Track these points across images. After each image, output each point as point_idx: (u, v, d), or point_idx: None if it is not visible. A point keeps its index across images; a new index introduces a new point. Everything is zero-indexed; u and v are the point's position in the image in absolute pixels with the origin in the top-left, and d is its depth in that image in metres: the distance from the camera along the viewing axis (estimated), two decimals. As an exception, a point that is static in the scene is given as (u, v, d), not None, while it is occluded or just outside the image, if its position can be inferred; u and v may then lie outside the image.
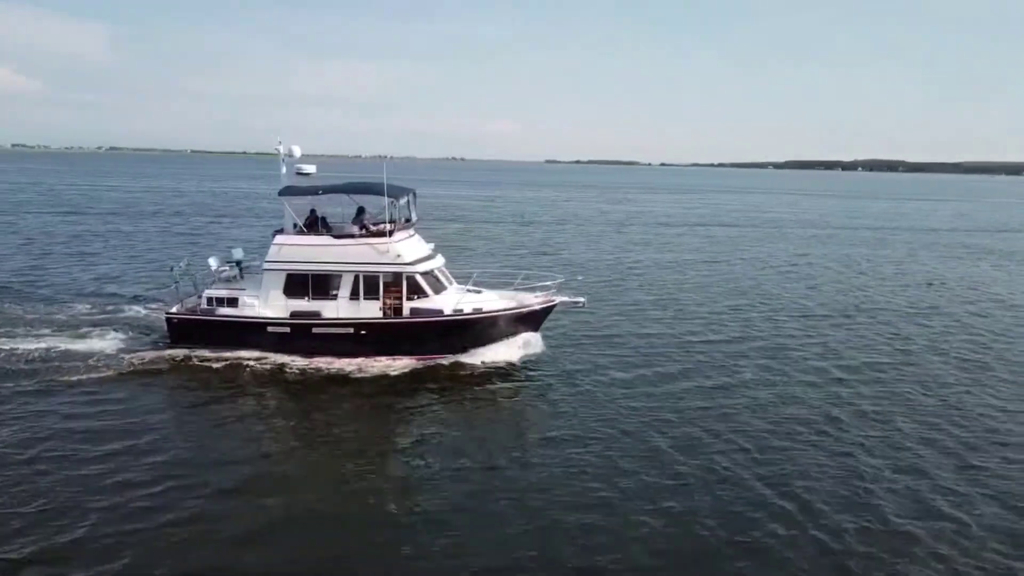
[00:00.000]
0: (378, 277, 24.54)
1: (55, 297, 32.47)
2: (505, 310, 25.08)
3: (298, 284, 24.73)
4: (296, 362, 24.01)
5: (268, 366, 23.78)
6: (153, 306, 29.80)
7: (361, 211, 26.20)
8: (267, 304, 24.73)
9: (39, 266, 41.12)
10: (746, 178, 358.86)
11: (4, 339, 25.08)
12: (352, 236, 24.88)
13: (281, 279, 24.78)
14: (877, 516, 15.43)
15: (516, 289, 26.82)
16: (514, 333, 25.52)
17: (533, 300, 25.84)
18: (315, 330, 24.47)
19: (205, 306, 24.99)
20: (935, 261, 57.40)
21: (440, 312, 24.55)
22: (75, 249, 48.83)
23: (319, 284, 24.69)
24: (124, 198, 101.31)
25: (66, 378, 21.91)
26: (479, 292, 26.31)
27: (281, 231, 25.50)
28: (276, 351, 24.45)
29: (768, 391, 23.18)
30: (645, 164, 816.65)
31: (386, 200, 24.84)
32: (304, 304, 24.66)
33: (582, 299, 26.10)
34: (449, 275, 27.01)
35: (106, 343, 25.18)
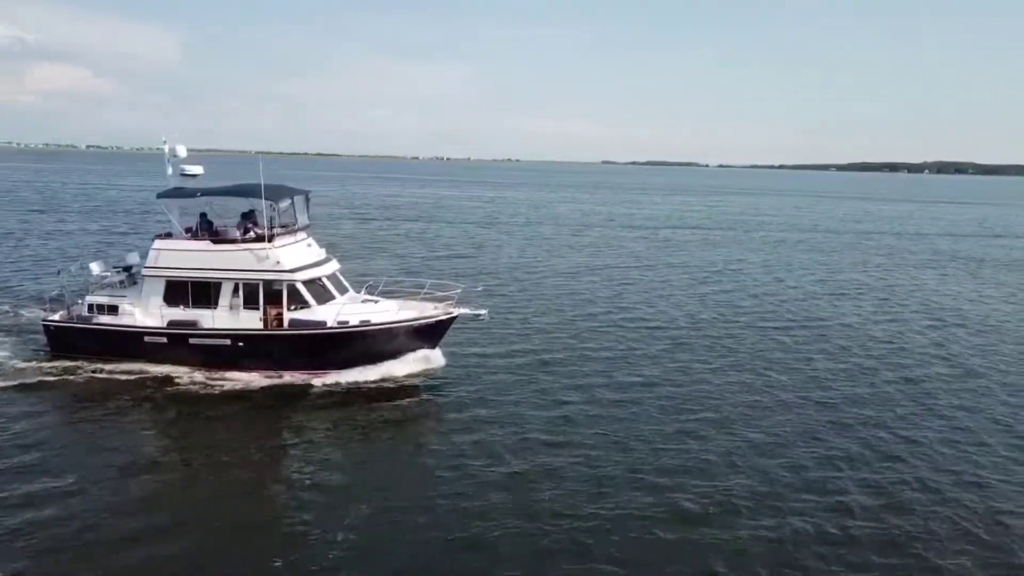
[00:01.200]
0: (258, 285, 23.10)
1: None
2: (393, 323, 23.32)
3: (178, 291, 23.47)
4: (176, 374, 22.77)
5: (146, 378, 22.59)
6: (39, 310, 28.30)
7: (246, 215, 24.78)
8: (146, 312, 23.54)
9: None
10: (809, 181, 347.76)
11: None
12: (232, 241, 23.48)
13: (160, 286, 23.56)
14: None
15: (424, 299, 25.01)
16: (410, 348, 23.74)
17: (433, 311, 24.02)
18: (192, 340, 23.15)
19: (85, 313, 23.94)
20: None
21: (322, 324, 22.95)
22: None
23: (198, 292, 23.38)
24: (124, 196, 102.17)
25: None
26: (375, 301, 24.62)
27: (168, 235, 24.28)
28: (155, 362, 23.25)
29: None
30: (703, 165, 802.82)
31: (264, 203, 23.36)
32: (182, 313, 23.37)
33: (483, 311, 24.14)
34: (344, 283, 25.39)
35: None
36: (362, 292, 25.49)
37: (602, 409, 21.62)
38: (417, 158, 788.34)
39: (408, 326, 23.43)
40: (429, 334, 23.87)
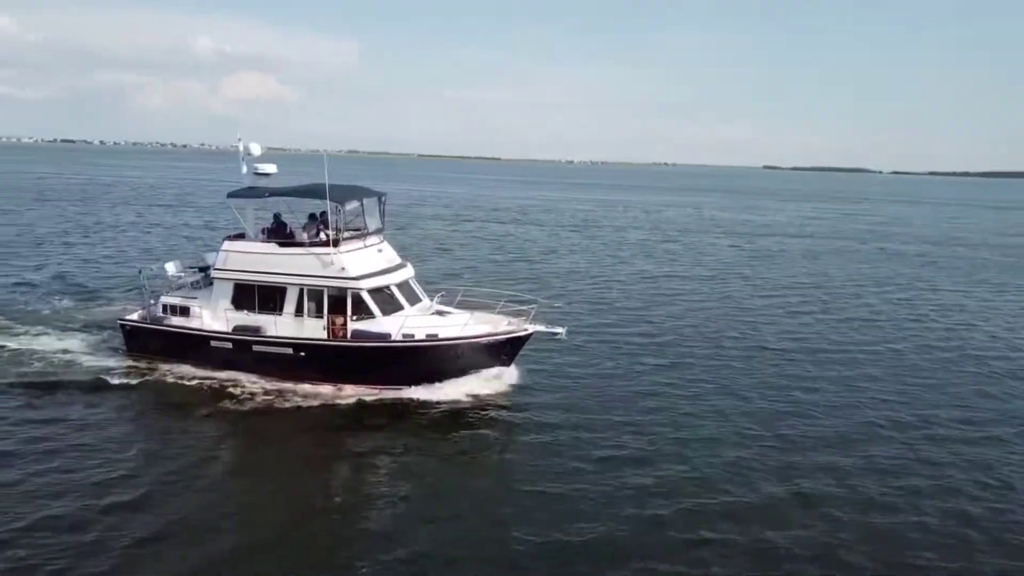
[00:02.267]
0: (322, 292, 21.68)
1: (65, 290, 33.47)
2: (461, 339, 21.16)
3: (245, 295, 22.48)
4: (240, 382, 21.80)
5: (211, 384, 21.77)
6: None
7: (314, 217, 23.42)
8: (214, 316, 22.71)
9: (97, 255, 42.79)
10: (999, 190, 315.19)
11: None
12: (298, 244, 22.17)
13: (228, 289, 22.66)
14: None
15: (500, 312, 22.73)
16: (481, 365, 21.55)
17: (506, 327, 21.69)
18: (256, 348, 22.04)
19: (159, 314, 23.48)
20: None
21: (386, 336, 21.16)
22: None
23: (265, 296, 22.27)
24: None
25: (11, 380, 21.37)
26: (447, 313, 22.58)
27: (241, 236, 23.38)
28: (221, 368, 22.39)
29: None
30: (874, 171, 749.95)
31: (329, 205, 21.85)
32: (247, 318, 22.34)
33: (561, 330, 21.48)
34: (417, 292, 23.51)
35: (65, 345, 24.48)
36: (434, 302, 23.52)
37: (686, 435, 19.49)
38: (571, 161, 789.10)
39: (478, 342, 21.21)
40: (501, 351, 21.57)
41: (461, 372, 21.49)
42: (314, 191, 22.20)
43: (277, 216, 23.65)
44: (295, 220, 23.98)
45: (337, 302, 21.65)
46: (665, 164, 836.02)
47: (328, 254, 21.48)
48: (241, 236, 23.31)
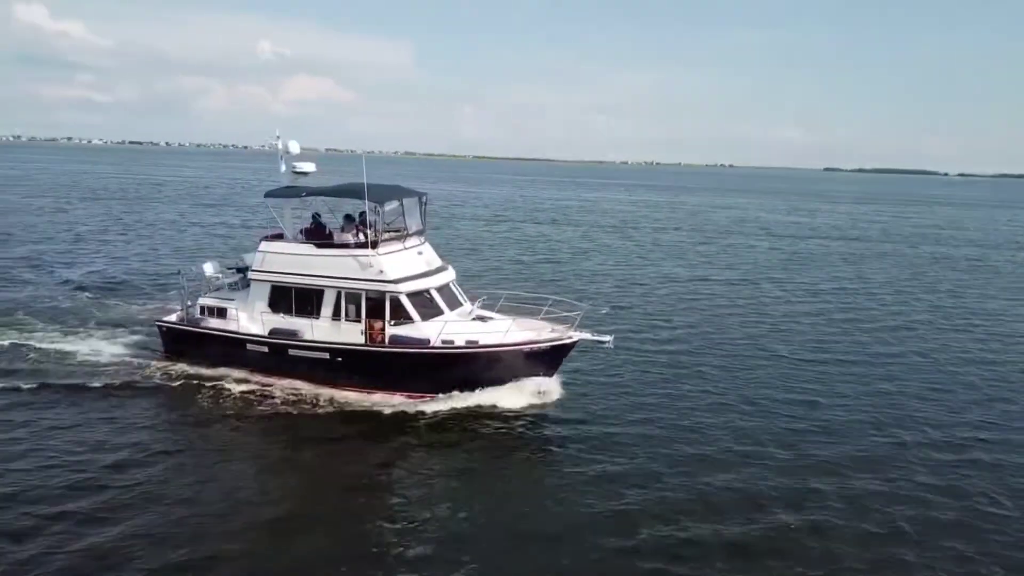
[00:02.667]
0: (360, 295, 20.89)
1: (117, 288, 33.25)
2: (503, 346, 20.11)
3: (282, 298, 21.84)
4: (276, 387, 21.19)
5: (247, 389, 21.19)
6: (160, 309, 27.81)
7: (350, 218, 22.63)
8: (251, 318, 22.13)
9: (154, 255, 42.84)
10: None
11: (9, 330, 25.45)
12: (335, 245, 21.41)
13: (265, 291, 22.05)
14: None
15: (544, 318, 21.65)
16: (522, 374, 20.49)
17: (549, 335, 20.58)
18: (292, 352, 21.36)
19: (197, 315, 23.00)
20: None
21: (425, 342, 20.24)
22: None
23: (302, 299, 21.59)
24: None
25: (52, 381, 21.18)
26: (489, 318, 21.56)
27: (278, 236, 22.76)
28: (257, 371, 21.82)
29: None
30: (940, 174, 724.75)
31: (367, 205, 21.04)
32: (284, 321, 21.69)
33: (608, 338, 20.24)
34: (459, 296, 22.56)
35: (104, 346, 24.21)
36: (475, 306, 22.53)
37: (734, 455, 18.19)
38: (626, 163, 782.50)
39: (520, 350, 20.14)
40: (545, 360, 20.45)
41: (501, 381, 20.46)
42: (352, 191, 21.42)
43: (316, 216, 22.96)
44: (335, 221, 23.27)
45: (375, 306, 20.84)
46: (722, 166, 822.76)
47: (366, 256, 20.68)
48: (279, 236, 22.70)
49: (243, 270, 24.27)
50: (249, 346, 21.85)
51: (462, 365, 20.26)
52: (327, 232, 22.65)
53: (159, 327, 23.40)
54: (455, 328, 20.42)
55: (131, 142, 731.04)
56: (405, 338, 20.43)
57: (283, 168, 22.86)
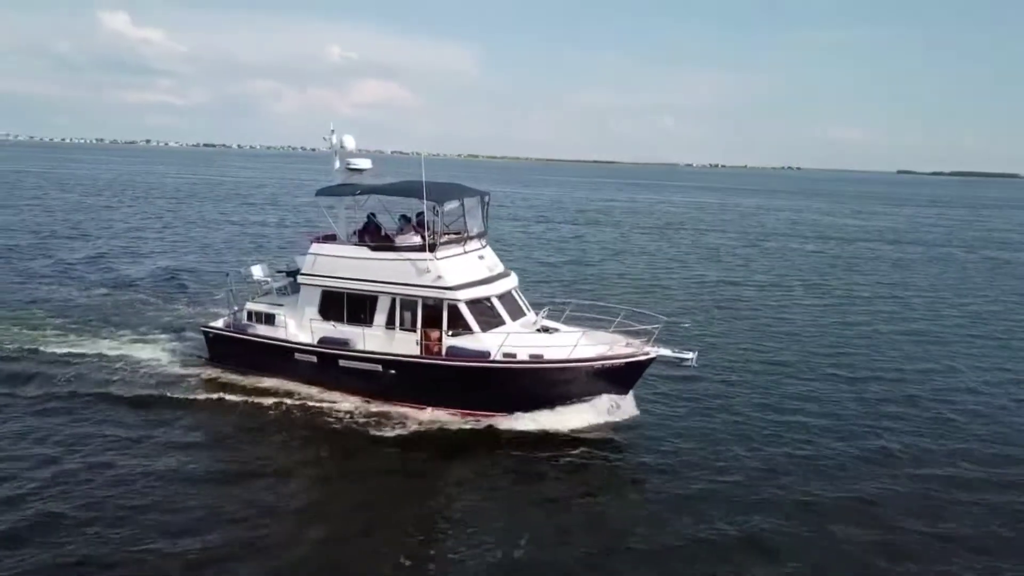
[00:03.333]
0: (415, 302, 19.17)
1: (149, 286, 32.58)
2: (571, 361, 18.10)
3: (333, 304, 20.30)
4: (324, 400, 19.64)
5: (293, 401, 19.67)
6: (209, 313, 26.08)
7: (406, 218, 20.93)
8: (300, 325, 20.66)
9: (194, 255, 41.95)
10: None
11: (55, 333, 24.54)
12: (390, 248, 19.74)
13: (316, 296, 20.53)
14: None
15: (616, 331, 19.59)
16: (592, 392, 18.49)
17: (623, 350, 18.50)
18: (343, 363, 19.77)
19: (244, 321, 21.64)
20: None
21: (485, 355, 18.39)
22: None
23: (354, 306, 20.01)
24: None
25: (90, 388, 20.09)
26: (555, 330, 19.58)
27: (329, 238, 21.24)
28: (306, 383, 20.32)
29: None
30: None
31: (425, 204, 19.27)
32: (334, 330, 20.13)
33: (690, 355, 18.02)
34: (523, 304, 20.64)
35: (146, 350, 23.17)
36: (540, 316, 20.59)
37: (836, 487, 16.08)
38: (691, 165, 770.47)
39: (591, 366, 18.11)
40: (618, 377, 18.38)
41: (569, 399, 18.50)
42: (410, 189, 19.74)
43: (371, 216, 21.36)
44: (392, 222, 21.66)
45: (432, 314, 19.11)
46: (790, 168, 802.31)
47: (423, 260, 18.95)
48: (331, 238, 21.20)
49: (293, 274, 22.87)
50: (297, 355, 20.36)
51: (526, 381, 18.34)
52: (383, 234, 21.06)
53: (204, 332, 22.14)
54: (518, 340, 18.50)
55: (205, 144, 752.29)
56: (463, 350, 18.61)
57: (337, 165, 21.35)
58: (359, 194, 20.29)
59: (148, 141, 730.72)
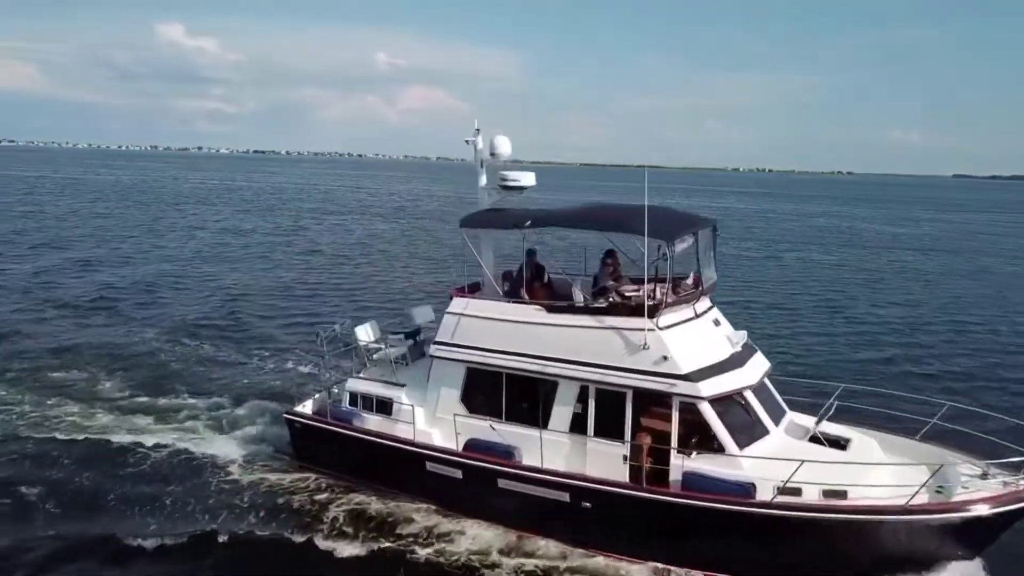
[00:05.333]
0: (623, 396, 12.16)
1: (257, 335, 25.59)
2: (913, 511, 10.88)
3: (484, 389, 13.45)
4: (476, 537, 12.87)
5: (421, 535, 13.02)
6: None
7: (605, 261, 13.92)
8: (432, 419, 13.88)
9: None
10: None
11: (88, 405, 18.54)
12: (582, 310, 12.76)
13: (457, 376, 13.69)
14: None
15: (924, 439, 12.47)
16: (922, 555, 11.29)
17: (982, 492, 11.26)
18: (503, 483, 12.86)
19: (346, 406, 14.90)
20: None
21: (745, 489, 11.31)
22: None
23: (520, 394, 13.17)
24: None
25: (127, 488, 14.43)
26: (842, 439, 12.39)
27: (475, 288, 14.45)
28: (443, 506, 13.50)
29: None
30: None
31: (646, 243, 12.09)
32: (490, 430, 13.25)
33: None
34: (776, 397, 13.44)
35: (204, 438, 16.82)
36: (799, 414, 13.41)
37: None
38: (738, 169, 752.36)
39: (934, 519, 10.92)
40: (975, 534, 11.14)
41: (878, 566, 11.31)
42: (616, 219, 12.91)
43: (531, 255, 14.52)
44: (559, 266, 14.81)
45: (651, 416, 12.15)
46: (840, 173, 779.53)
47: (637, 329, 11.96)
48: (478, 287, 14.39)
49: (414, 335, 16.10)
50: (430, 465, 13.53)
51: (818, 536, 11.20)
52: (545, 280, 14.22)
53: (288, 422, 15.41)
54: (805, 467, 11.31)
55: (255, 151, 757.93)
56: (708, 478, 11.52)
57: (483, 181, 14.48)
58: (529, 226, 13.30)
59: (200, 148, 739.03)
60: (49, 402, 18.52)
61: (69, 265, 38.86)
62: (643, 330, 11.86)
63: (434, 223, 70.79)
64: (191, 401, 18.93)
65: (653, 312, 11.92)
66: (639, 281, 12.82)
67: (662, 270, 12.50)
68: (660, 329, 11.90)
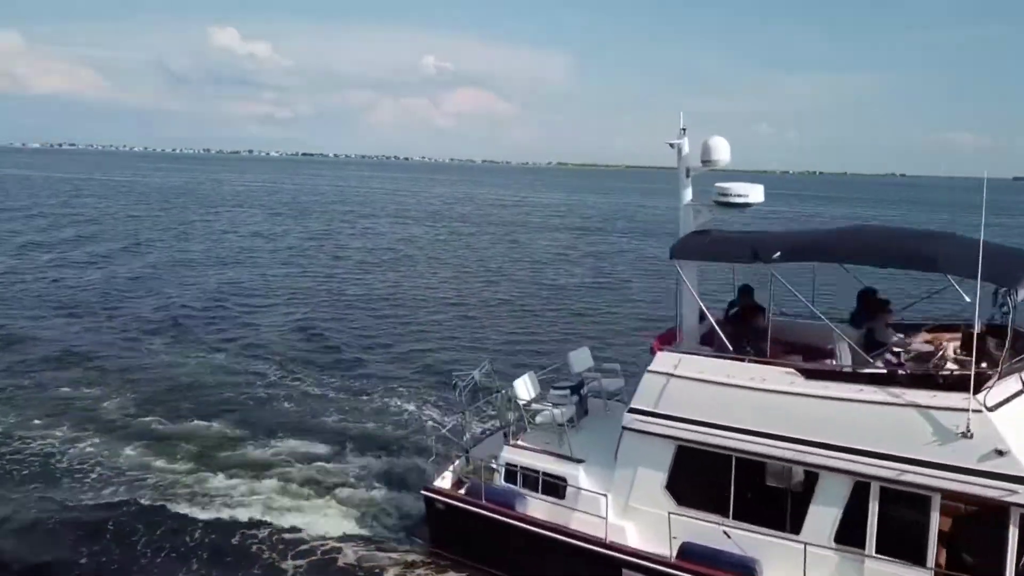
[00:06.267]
0: (927, 501, 8.63)
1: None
2: None
3: (703, 475, 10.07)
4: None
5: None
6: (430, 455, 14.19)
7: (871, 301, 10.41)
8: (628, 510, 10.49)
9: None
10: None
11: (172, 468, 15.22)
12: (858, 376, 9.25)
13: (663, 455, 10.30)
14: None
15: None
16: None
17: None
18: None
19: (502, 482, 11.60)
20: None
21: None
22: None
23: (757, 485, 9.75)
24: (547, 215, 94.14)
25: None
26: None
27: (671, 336, 11.08)
28: None
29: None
30: None
31: (978, 289, 8.49)
32: (711, 530, 9.82)
33: None
34: None
35: (324, 519, 13.36)
36: None
37: None
38: (788, 172, 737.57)
39: None
40: None
41: None
42: (928, 254, 9.41)
43: (747, 292, 11.10)
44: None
45: (970, 530, 8.64)
46: (894, 175, 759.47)
47: (954, 408, 8.42)
48: (674, 336, 11.02)
49: (577, 388, 12.77)
50: (627, 572, 10.16)
51: None
52: (763, 324, 10.75)
53: (426, 499, 12.15)
54: None
55: (303, 154, 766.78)
56: None
57: (688, 195, 11.05)
58: (779, 259, 9.77)
59: (250, 151, 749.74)
60: (104, 452, 15.64)
61: (131, 281, 36.25)
62: (963, 410, 8.33)
63: (568, 237, 64.63)
64: (283, 450, 15.88)
65: (980, 386, 8.39)
66: (935, 331, 9.33)
67: (991, 323, 8.96)
68: (989, 410, 8.36)
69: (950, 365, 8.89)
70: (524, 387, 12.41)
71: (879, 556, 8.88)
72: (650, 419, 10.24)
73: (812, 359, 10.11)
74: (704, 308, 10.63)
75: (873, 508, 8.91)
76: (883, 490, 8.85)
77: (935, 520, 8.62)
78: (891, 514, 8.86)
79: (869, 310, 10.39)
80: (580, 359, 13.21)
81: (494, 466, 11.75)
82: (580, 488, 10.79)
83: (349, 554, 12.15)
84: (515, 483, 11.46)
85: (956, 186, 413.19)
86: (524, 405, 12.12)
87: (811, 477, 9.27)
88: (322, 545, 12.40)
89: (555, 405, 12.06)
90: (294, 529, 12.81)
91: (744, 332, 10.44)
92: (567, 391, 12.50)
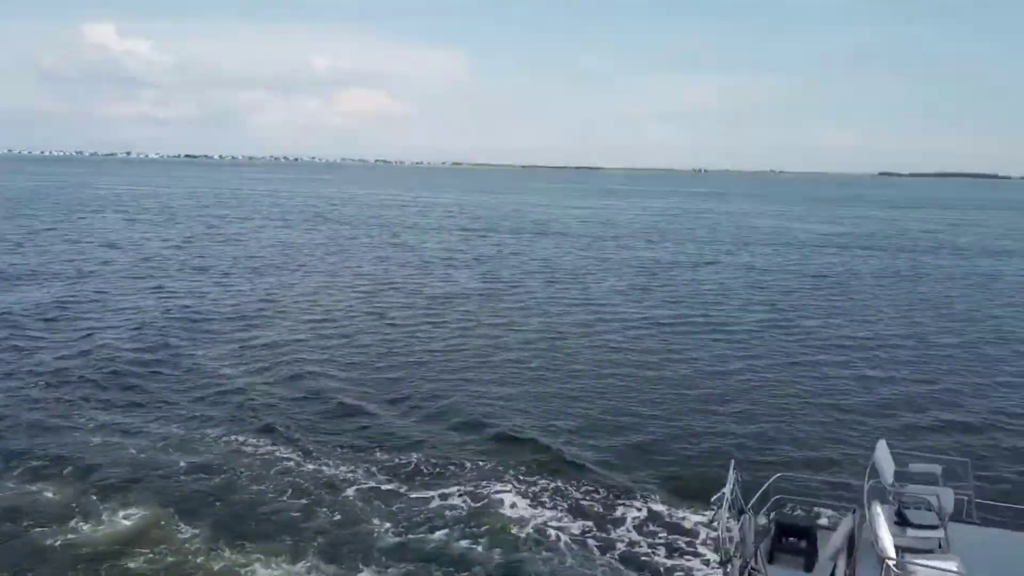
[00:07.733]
0: None
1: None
2: None
3: None
4: None
5: None
6: None
7: None
8: None
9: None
10: None
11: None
12: None
13: None
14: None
15: None
16: None
17: None
18: None
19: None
20: None
21: None
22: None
23: None
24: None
25: None
26: None
27: None
28: None
29: None
30: (1003, 177, 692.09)
31: None
32: None
33: None
34: None
35: None
36: None
37: None
38: (699, 171, 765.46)
39: None
40: None
41: None
42: None
43: None
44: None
45: None
46: (771, 172, 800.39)
47: None
48: None
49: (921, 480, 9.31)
50: None
51: None
52: None
53: None
54: None
55: (186, 155, 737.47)
56: None
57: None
58: None
59: (128, 153, 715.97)
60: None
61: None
62: None
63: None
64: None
65: None
66: None
67: None
68: None
69: None
70: (885, 456, 8.73)
71: None
72: None
73: None
74: None
75: None
76: None
77: None
78: None
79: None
80: (924, 474, 8.92)
81: None
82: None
83: None
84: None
85: (817, 180, 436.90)
86: (890, 486, 8.27)
87: None
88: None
89: (920, 489, 8.31)
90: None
91: None
92: (930, 504, 8.25)
